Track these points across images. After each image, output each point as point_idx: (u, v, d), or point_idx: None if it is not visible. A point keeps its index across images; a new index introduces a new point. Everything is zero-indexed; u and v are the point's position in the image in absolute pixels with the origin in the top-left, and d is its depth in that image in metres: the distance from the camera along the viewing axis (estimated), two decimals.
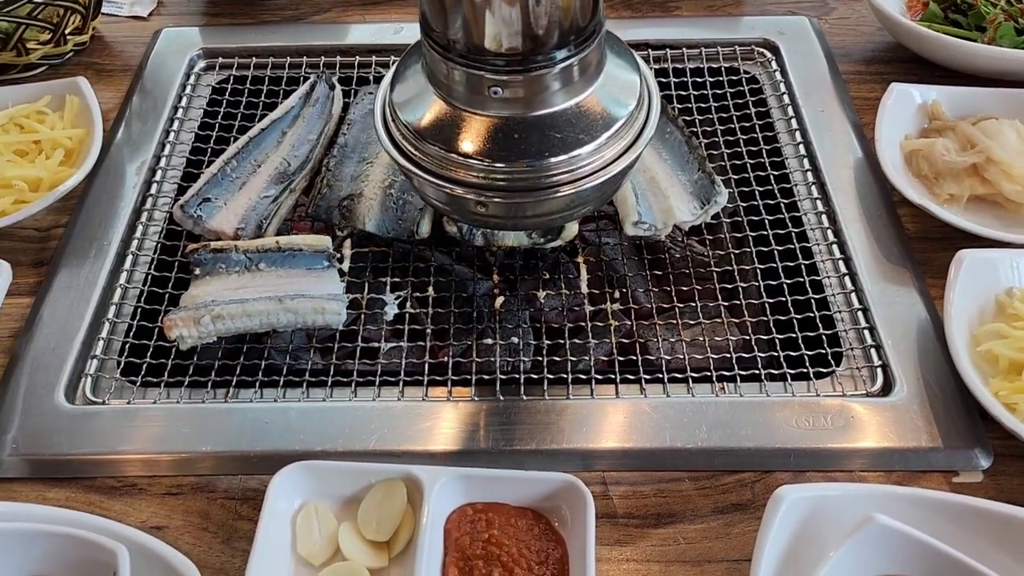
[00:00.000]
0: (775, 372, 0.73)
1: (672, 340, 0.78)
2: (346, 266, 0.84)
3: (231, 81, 1.02)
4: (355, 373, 0.75)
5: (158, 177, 0.91)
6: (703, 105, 0.97)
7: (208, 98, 1.00)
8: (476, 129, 0.65)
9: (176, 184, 0.91)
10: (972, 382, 0.67)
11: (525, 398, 0.72)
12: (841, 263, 0.81)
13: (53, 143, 0.88)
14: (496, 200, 0.67)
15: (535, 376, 0.73)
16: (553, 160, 0.65)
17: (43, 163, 0.87)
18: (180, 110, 0.98)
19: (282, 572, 0.62)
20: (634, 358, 0.74)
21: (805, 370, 0.73)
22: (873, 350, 0.74)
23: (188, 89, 1.00)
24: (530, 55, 0.62)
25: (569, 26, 0.62)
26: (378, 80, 0.99)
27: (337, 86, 0.97)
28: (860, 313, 0.77)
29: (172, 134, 0.95)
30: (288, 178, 0.88)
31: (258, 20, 1.10)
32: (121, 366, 0.76)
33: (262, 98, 1.00)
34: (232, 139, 0.94)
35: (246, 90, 1.01)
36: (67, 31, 1.01)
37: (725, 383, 0.73)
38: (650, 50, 1.02)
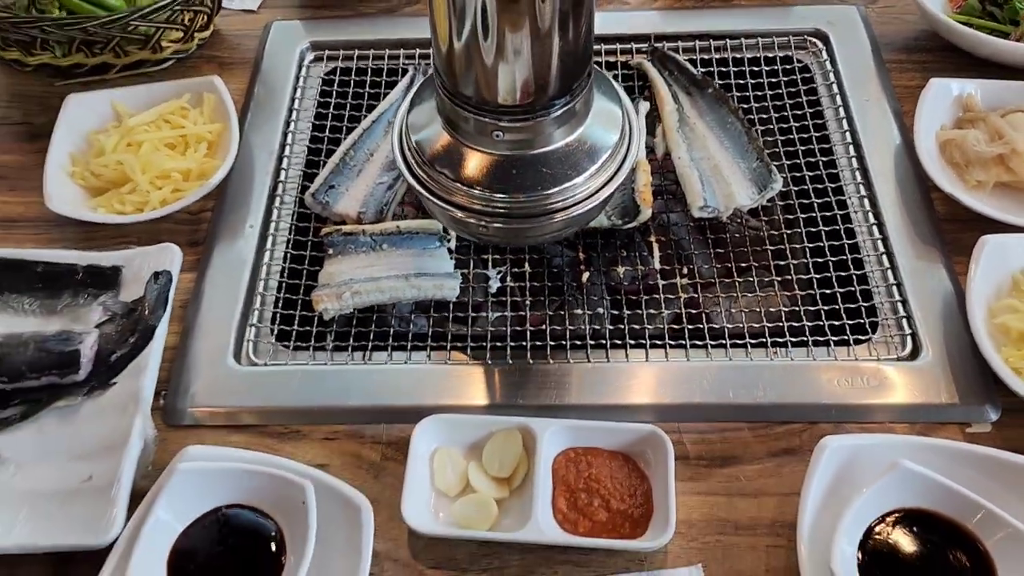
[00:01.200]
0: (820, 339, 0.87)
1: (732, 310, 0.92)
2: (452, 244, 0.99)
3: (338, 73, 1.16)
4: (468, 338, 0.90)
5: (285, 164, 1.05)
6: (759, 93, 1.09)
7: (319, 89, 1.14)
8: (479, 164, 0.78)
9: (300, 171, 1.05)
10: (986, 349, 0.81)
11: (610, 360, 0.87)
12: (880, 242, 0.94)
13: (197, 137, 1.03)
14: (496, 224, 0.80)
15: (618, 341, 0.88)
16: (547, 192, 0.77)
17: (192, 155, 1.01)
18: (296, 101, 1.12)
19: (425, 501, 0.78)
20: (701, 326, 0.89)
21: (846, 337, 0.87)
22: (904, 320, 0.88)
23: (301, 81, 1.14)
24: (530, 107, 0.74)
25: (566, 81, 0.73)
26: None
27: None
28: (895, 287, 0.90)
29: (292, 123, 1.09)
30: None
31: (356, 12, 1.22)
32: (275, 333, 0.92)
33: (366, 88, 1.14)
34: (344, 128, 1.08)
35: (352, 81, 1.14)
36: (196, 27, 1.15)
37: (778, 348, 0.87)
38: (712, 40, 1.14)
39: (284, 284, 0.96)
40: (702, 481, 0.80)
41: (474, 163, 0.78)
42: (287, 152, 1.07)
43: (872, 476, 0.73)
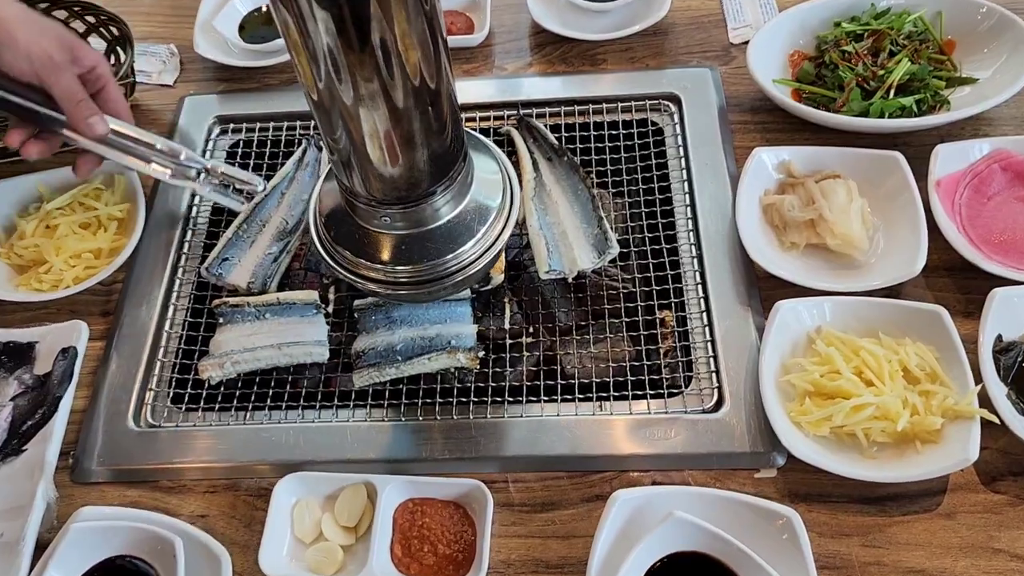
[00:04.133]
0: (639, 393, 0.99)
1: (575, 356, 1.04)
2: (331, 308, 1.11)
3: (241, 145, 1.28)
4: (336, 395, 1.03)
5: (188, 236, 1.18)
6: (616, 156, 1.20)
7: (224, 160, 1.26)
8: (376, 242, 0.89)
9: (203, 241, 1.18)
10: (768, 404, 0.92)
11: (455, 417, 0.99)
12: (702, 300, 1.05)
13: (109, 216, 1.16)
14: (399, 292, 0.92)
15: (463, 400, 1.01)
16: (439, 261, 0.88)
17: (103, 235, 1.14)
18: (203, 174, 1.24)
19: (284, 547, 0.91)
20: (539, 383, 1.01)
21: (662, 391, 0.99)
22: (713, 374, 0.99)
23: (208, 155, 1.27)
24: (409, 199, 0.85)
25: (439, 176, 0.84)
26: None
27: (323, 149, 1.22)
28: (709, 344, 1.01)
29: (197, 196, 1.22)
30: (287, 236, 1.14)
31: (261, 84, 1.34)
32: (170, 396, 1.05)
33: (266, 159, 1.26)
34: (243, 198, 1.21)
35: (253, 152, 1.27)
36: None
37: (603, 402, 0.99)
38: (576, 105, 1.24)
39: (181, 350, 1.09)
40: (523, 525, 0.92)
41: (371, 241, 0.90)
42: (191, 224, 1.19)
43: (655, 523, 0.85)
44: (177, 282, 1.14)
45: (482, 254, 0.92)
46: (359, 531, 0.92)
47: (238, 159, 1.26)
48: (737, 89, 1.24)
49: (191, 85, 1.36)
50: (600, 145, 1.21)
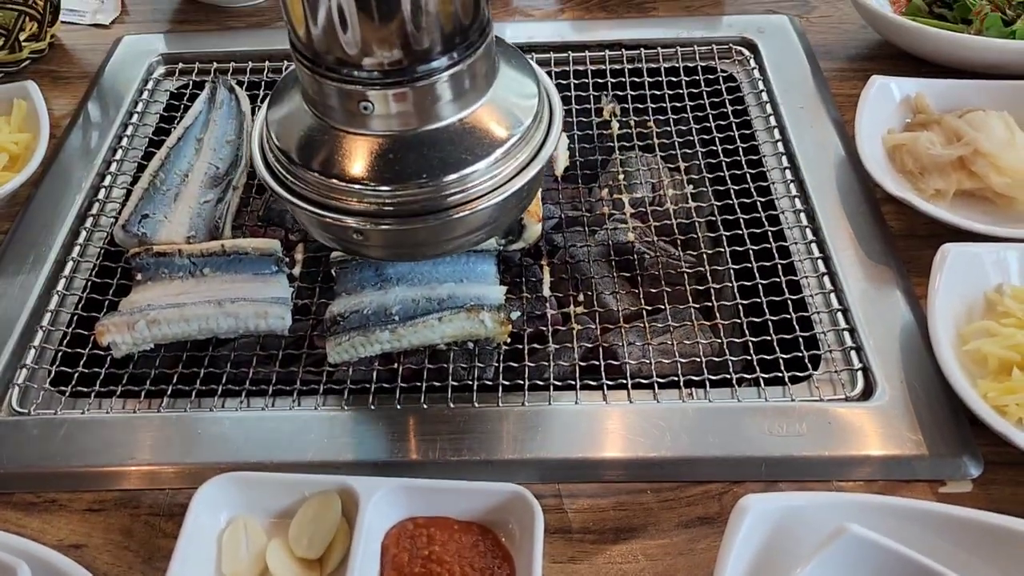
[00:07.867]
0: (747, 376, 0.68)
1: (639, 344, 0.72)
2: (298, 271, 0.80)
3: (190, 87, 0.99)
4: (298, 381, 0.70)
5: (107, 183, 0.87)
6: (678, 104, 0.93)
7: (165, 103, 0.97)
8: (350, 149, 0.61)
9: (125, 189, 0.87)
10: (958, 383, 0.62)
11: (476, 405, 0.67)
12: (820, 262, 0.76)
13: None
14: (380, 227, 0.62)
15: (489, 383, 0.69)
16: (438, 182, 0.60)
17: None
18: (135, 115, 0.94)
19: None
20: (596, 363, 0.69)
21: (780, 374, 0.68)
22: (853, 352, 0.69)
23: (145, 95, 0.97)
24: (399, 66, 0.57)
25: (443, 32, 0.57)
26: None
27: (237, 88, 0.93)
28: (840, 314, 0.72)
29: (125, 139, 0.92)
30: (221, 181, 0.83)
31: (223, 26, 1.06)
32: (52, 375, 0.71)
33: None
34: None
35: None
36: (22, 38, 0.98)
37: (694, 388, 0.68)
38: (624, 50, 0.98)
39: (77, 318, 0.76)
40: (587, 561, 0.59)
41: (344, 149, 0.61)
42: (112, 170, 0.88)
43: (811, 549, 0.52)
44: (83, 233, 0.82)
45: (499, 185, 0.63)
46: (327, 567, 0.58)
47: (184, 101, 0.97)
48: (824, 38, 1.00)
49: (132, 27, 1.08)
50: (658, 92, 0.94)
